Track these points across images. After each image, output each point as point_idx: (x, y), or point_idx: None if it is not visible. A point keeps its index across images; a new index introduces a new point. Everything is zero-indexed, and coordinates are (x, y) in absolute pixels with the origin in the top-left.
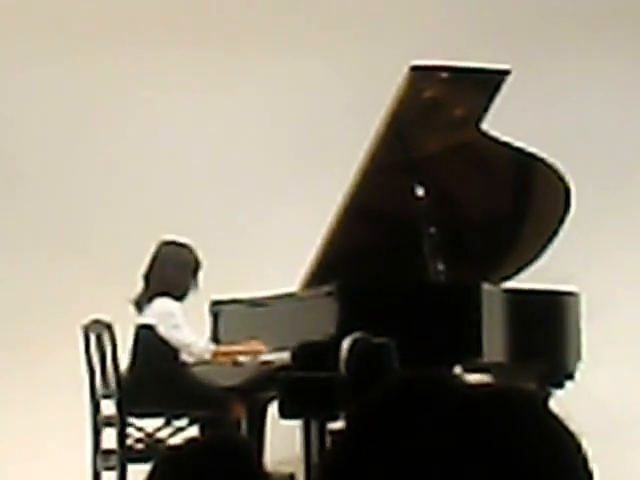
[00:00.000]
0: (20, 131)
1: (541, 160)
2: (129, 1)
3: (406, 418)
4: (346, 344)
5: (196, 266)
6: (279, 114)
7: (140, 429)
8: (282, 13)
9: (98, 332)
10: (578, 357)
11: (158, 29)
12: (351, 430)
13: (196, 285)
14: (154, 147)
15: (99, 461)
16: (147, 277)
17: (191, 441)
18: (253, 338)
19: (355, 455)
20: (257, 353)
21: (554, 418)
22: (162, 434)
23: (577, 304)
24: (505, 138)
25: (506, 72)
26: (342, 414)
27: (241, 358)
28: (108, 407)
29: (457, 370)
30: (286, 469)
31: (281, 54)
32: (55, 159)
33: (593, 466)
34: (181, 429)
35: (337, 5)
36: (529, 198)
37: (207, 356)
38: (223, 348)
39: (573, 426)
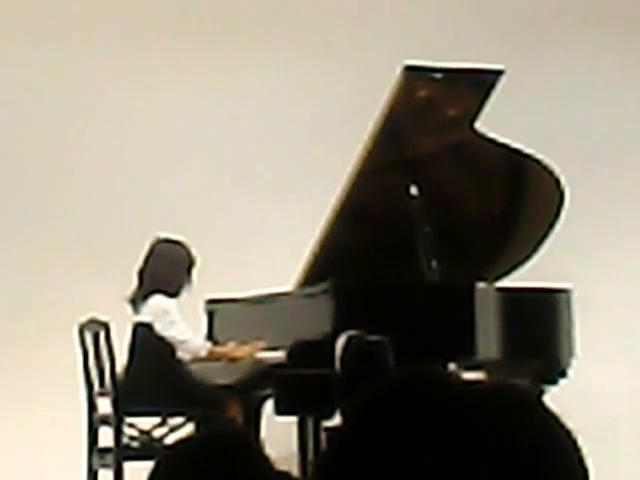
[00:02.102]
0: (15, 129)
1: (534, 159)
2: (128, 0)
3: (403, 416)
4: (341, 341)
5: (190, 263)
6: (275, 113)
7: (136, 427)
8: (279, 14)
9: (94, 331)
10: (571, 354)
11: (157, 28)
12: (349, 427)
13: (190, 283)
14: (150, 145)
15: (95, 459)
16: (141, 274)
17: (191, 437)
18: (250, 341)
19: (352, 453)
20: (253, 353)
21: (550, 414)
22: (158, 432)
23: (570, 301)
24: (498, 137)
25: (500, 72)
26: (337, 411)
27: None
28: (104, 405)
29: (452, 368)
30: (281, 467)
31: (277, 55)
32: (50, 157)
33: (588, 462)
34: (177, 427)
35: (332, 6)
36: (522, 197)
37: (203, 353)
38: (219, 349)
39: (567, 422)
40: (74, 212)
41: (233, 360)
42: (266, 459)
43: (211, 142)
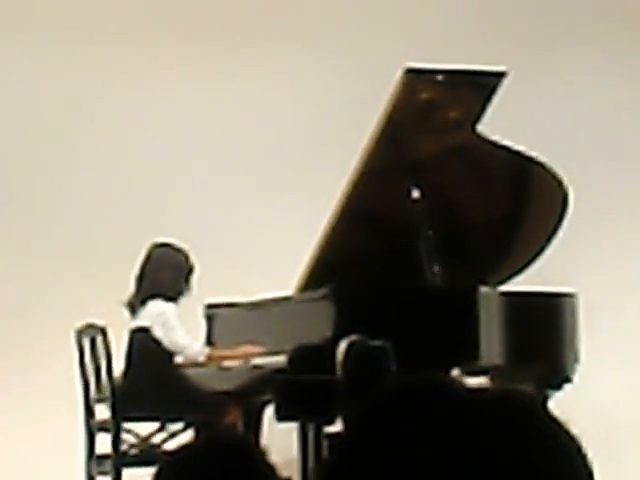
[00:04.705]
0: (12, 132)
1: (538, 162)
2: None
3: (406, 422)
4: (342, 346)
5: (188, 268)
6: (276, 115)
7: (134, 434)
8: (280, 15)
9: (92, 336)
10: (576, 359)
11: (156, 26)
12: (351, 434)
13: (188, 288)
14: (147, 149)
15: (93, 466)
16: (139, 280)
17: (193, 443)
18: (248, 342)
19: (355, 460)
20: (252, 356)
21: (554, 421)
22: (157, 439)
23: (575, 305)
24: (501, 140)
25: (502, 74)
26: (338, 417)
27: (230, 362)
28: (102, 411)
29: (455, 373)
30: (282, 473)
31: (278, 56)
32: (47, 162)
33: (593, 467)
34: (176, 433)
35: (334, 7)
36: (526, 200)
37: (201, 359)
38: (217, 352)
39: (572, 428)
40: (71, 216)
41: (224, 368)
42: (270, 466)
43: (210, 145)
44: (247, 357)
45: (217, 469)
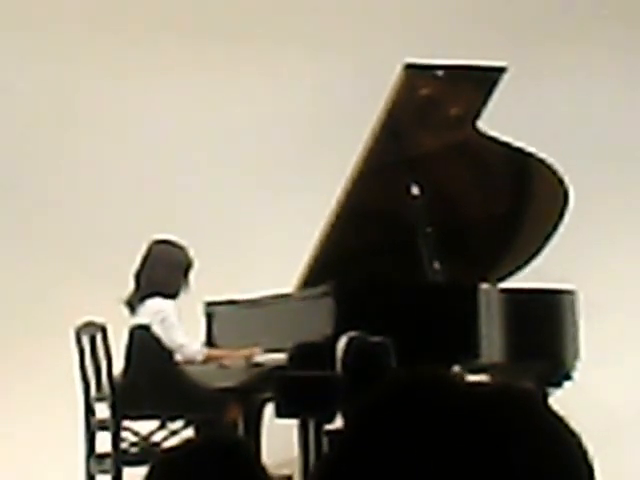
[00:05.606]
0: (12, 132)
1: (538, 158)
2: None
3: (407, 418)
4: (342, 343)
5: (187, 265)
6: (276, 114)
7: (135, 432)
8: (279, 13)
9: (91, 334)
10: (576, 356)
11: (156, 26)
12: (351, 431)
13: (187, 285)
14: (147, 146)
15: (93, 465)
16: (138, 277)
17: (188, 442)
18: (248, 342)
19: (355, 457)
20: (249, 358)
21: (555, 416)
22: (157, 437)
23: (575, 302)
24: (502, 136)
25: (502, 69)
26: (339, 414)
27: (228, 361)
28: (102, 410)
29: (456, 370)
30: (283, 471)
31: (278, 53)
32: (45, 159)
33: (594, 464)
34: (176, 432)
35: (333, 3)
36: (526, 196)
37: (199, 358)
38: (216, 353)
39: (573, 424)
40: (70, 216)
41: (223, 366)
42: (262, 468)
43: (209, 143)
44: (245, 359)
45: (210, 469)
